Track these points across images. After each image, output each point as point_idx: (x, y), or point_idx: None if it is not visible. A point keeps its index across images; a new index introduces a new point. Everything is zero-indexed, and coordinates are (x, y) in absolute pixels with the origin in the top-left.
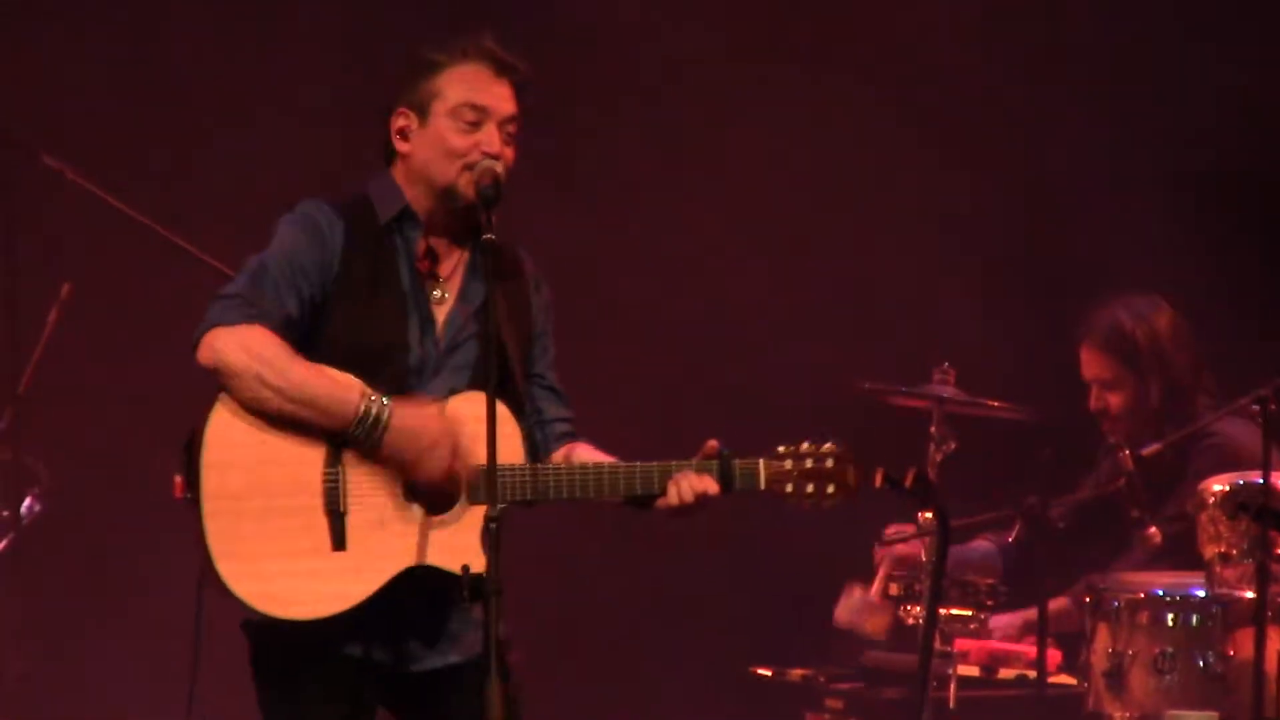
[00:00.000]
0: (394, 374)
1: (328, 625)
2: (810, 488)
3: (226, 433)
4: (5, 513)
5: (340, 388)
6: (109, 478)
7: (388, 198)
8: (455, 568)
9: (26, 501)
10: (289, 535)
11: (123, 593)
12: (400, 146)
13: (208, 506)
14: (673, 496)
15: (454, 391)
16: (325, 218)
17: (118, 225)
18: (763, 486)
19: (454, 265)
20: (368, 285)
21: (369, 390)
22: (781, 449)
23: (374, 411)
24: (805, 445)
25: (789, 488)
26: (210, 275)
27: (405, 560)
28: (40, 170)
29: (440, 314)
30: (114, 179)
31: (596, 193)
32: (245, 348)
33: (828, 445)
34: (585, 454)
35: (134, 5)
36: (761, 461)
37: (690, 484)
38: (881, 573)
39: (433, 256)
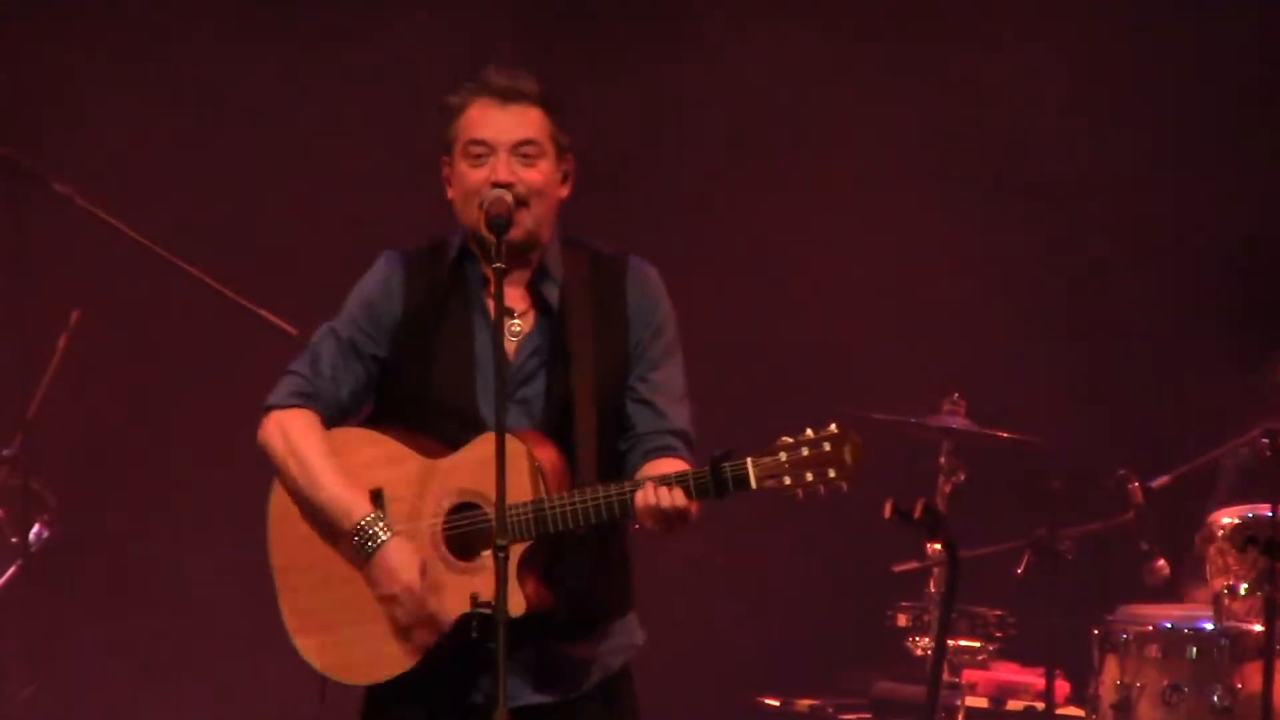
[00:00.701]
0: (464, 416)
1: (414, 677)
2: (809, 476)
3: (285, 510)
4: (14, 539)
5: (345, 505)
6: (118, 503)
7: (455, 240)
8: (486, 609)
9: (35, 528)
10: (350, 603)
11: (133, 616)
12: (448, 193)
13: (278, 584)
14: (638, 500)
15: (538, 423)
16: (389, 270)
17: (127, 250)
18: (754, 486)
19: (528, 299)
20: (431, 330)
21: (375, 516)
22: (779, 441)
23: (364, 541)
24: (806, 433)
25: (787, 480)
26: (218, 301)
27: (457, 610)
28: (50, 196)
29: (512, 347)
30: (123, 201)
31: (644, 204)
32: (284, 437)
33: (827, 429)
34: (663, 469)
35: (151, 14)
36: (749, 461)
37: (653, 493)
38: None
39: (481, 280)
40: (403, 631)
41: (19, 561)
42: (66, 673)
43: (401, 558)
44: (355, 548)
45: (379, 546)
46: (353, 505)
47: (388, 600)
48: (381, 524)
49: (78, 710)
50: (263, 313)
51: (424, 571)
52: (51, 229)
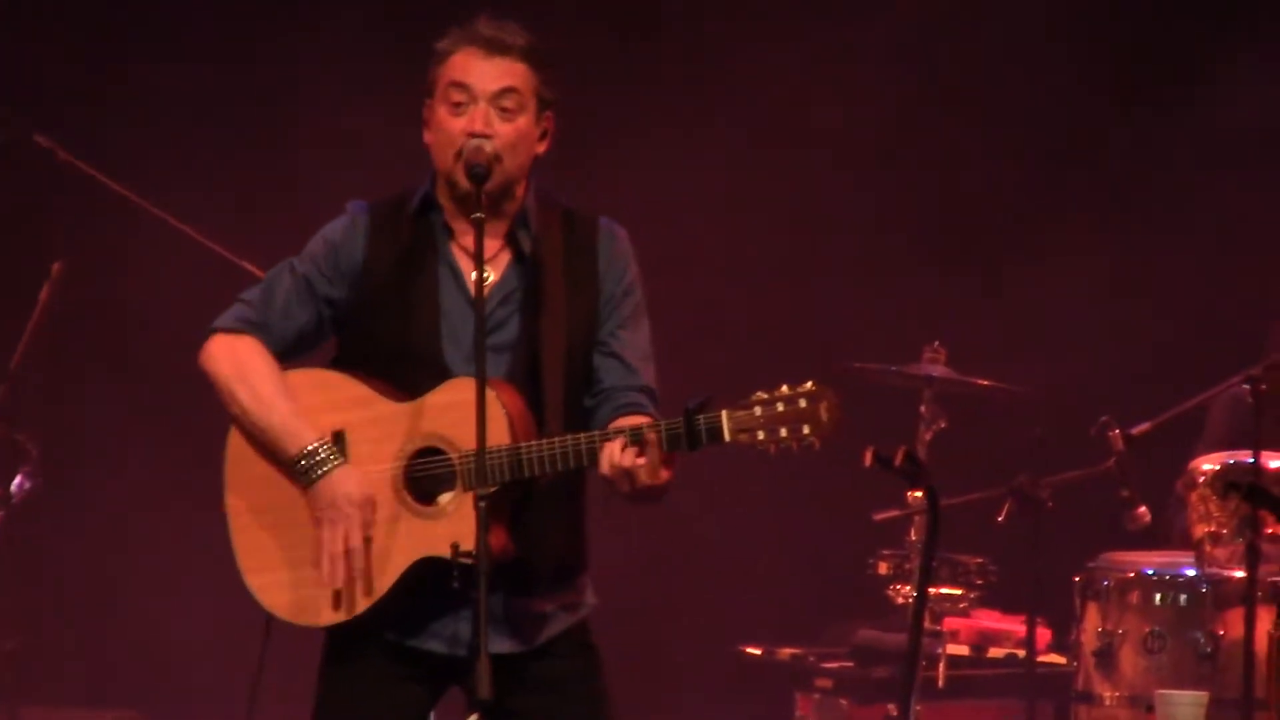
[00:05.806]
0: (429, 365)
1: (369, 620)
2: (783, 432)
3: (242, 449)
4: None
5: (295, 429)
6: (99, 454)
7: (421, 188)
8: (448, 552)
9: (17, 479)
10: (305, 544)
11: (113, 570)
12: (425, 137)
13: (232, 523)
14: (603, 462)
15: (505, 371)
16: (355, 216)
17: (109, 203)
18: (728, 439)
19: (499, 247)
20: (396, 279)
21: (326, 444)
22: (754, 396)
23: (311, 466)
24: (782, 389)
25: (760, 435)
26: (200, 254)
27: (414, 553)
28: (32, 149)
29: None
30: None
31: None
32: (233, 360)
33: (804, 386)
34: (628, 423)
35: None
36: (724, 413)
37: (612, 453)
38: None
39: (445, 228)
40: (357, 576)
41: (1, 513)
42: (50, 626)
43: (349, 485)
44: (299, 472)
45: (327, 472)
46: (304, 431)
47: (325, 524)
48: (332, 452)
49: (62, 664)
50: (246, 265)
51: (374, 507)
52: (33, 181)
